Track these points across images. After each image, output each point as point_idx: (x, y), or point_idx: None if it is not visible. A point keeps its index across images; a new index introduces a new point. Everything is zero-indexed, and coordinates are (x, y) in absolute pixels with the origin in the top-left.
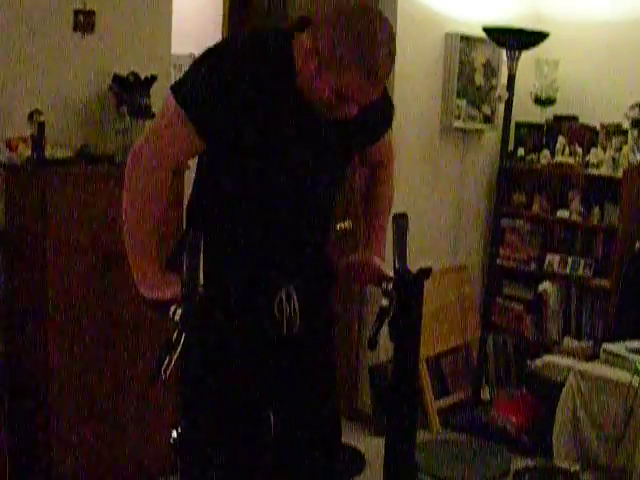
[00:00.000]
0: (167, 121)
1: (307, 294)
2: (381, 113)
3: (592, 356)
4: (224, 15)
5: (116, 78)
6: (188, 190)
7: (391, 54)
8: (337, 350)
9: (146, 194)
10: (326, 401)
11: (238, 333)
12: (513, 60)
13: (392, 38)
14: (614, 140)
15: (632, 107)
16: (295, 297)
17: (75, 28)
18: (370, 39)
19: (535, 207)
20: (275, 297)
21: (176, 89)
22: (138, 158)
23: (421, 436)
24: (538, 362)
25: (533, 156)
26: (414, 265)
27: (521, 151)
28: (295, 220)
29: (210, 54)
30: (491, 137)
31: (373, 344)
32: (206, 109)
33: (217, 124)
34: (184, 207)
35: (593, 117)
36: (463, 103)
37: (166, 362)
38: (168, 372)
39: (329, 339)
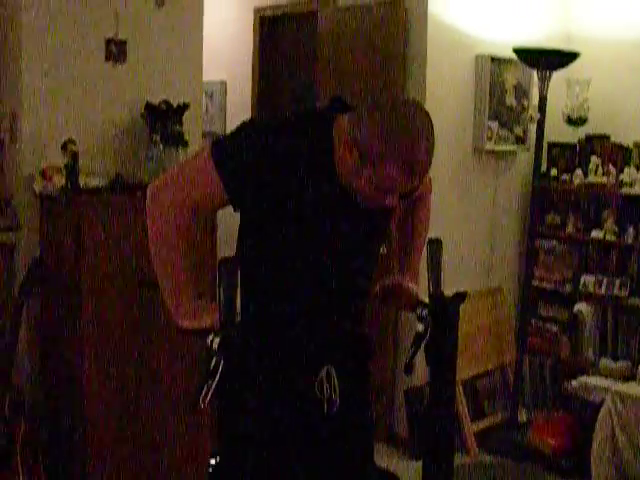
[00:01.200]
0: (198, 169)
1: (346, 371)
2: None
3: (629, 376)
4: (254, 43)
5: (148, 106)
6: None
7: (430, 149)
8: (373, 374)
9: (169, 231)
10: (365, 472)
11: (278, 414)
12: (544, 81)
13: (431, 130)
14: None
15: None
16: (335, 376)
17: (107, 57)
18: (411, 135)
19: (569, 227)
20: (316, 377)
21: (215, 146)
22: (159, 197)
23: (458, 459)
24: (575, 383)
25: (566, 176)
26: (449, 288)
27: (554, 171)
28: (334, 296)
29: (255, 124)
30: (523, 158)
31: (409, 369)
32: (239, 175)
33: (247, 191)
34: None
35: (626, 136)
36: (495, 125)
37: (204, 390)
38: (207, 400)
39: (367, 416)
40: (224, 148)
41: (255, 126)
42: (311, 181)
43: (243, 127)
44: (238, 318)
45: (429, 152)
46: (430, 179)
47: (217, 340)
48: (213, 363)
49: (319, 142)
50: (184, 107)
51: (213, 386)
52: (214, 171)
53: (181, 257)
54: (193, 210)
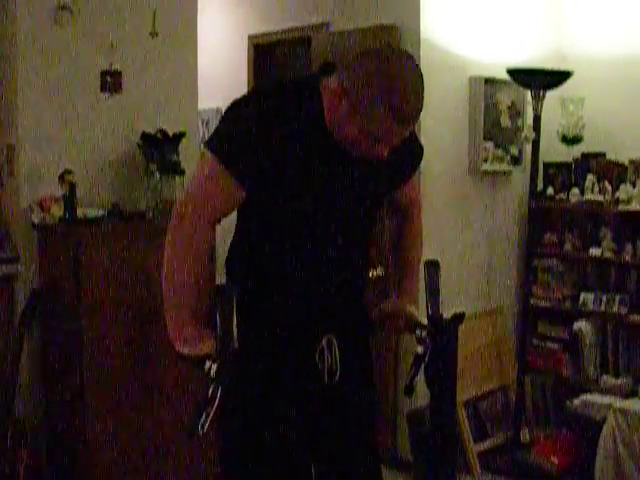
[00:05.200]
0: (206, 175)
1: (347, 342)
2: (409, 154)
3: (631, 393)
4: (249, 70)
5: (144, 136)
6: (220, 244)
7: (420, 95)
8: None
9: (190, 249)
10: (367, 450)
11: (278, 383)
12: (538, 100)
13: (421, 79)
14: None
15: None
16: (336, 345)
17: (102, 88)
18: (399, 81)
19: (567, 246)
20: (316, 346)
21: (210, 143)
22: (182, 214)
23: None
24: (577, 401)
25: (562, 195)
26: (447, 309)
27: (550, 190)
28: (333, 264)
29: (239, 103)
30: (520, 178)
31: (410, 391)
32: (242, 158)
33: (254, 171)
34: (216, 260)
35: (621, 153)
36: (490, 145)
37: (203, 417)
38: (205, 427)
39: (369, 386)
40: (218, 138)
41: (241, 103)
42: (304, 141)
43: (230, 110)
44: (235, 345)
45: (418, 99)
46: (419, 194)
47: (214, 367)
48: (211, 390)
49: (307, 103)
50: (180, 136)
51: (212, 413)
52: (224, 169)
53: (195, 280)
54: (217, 221)
